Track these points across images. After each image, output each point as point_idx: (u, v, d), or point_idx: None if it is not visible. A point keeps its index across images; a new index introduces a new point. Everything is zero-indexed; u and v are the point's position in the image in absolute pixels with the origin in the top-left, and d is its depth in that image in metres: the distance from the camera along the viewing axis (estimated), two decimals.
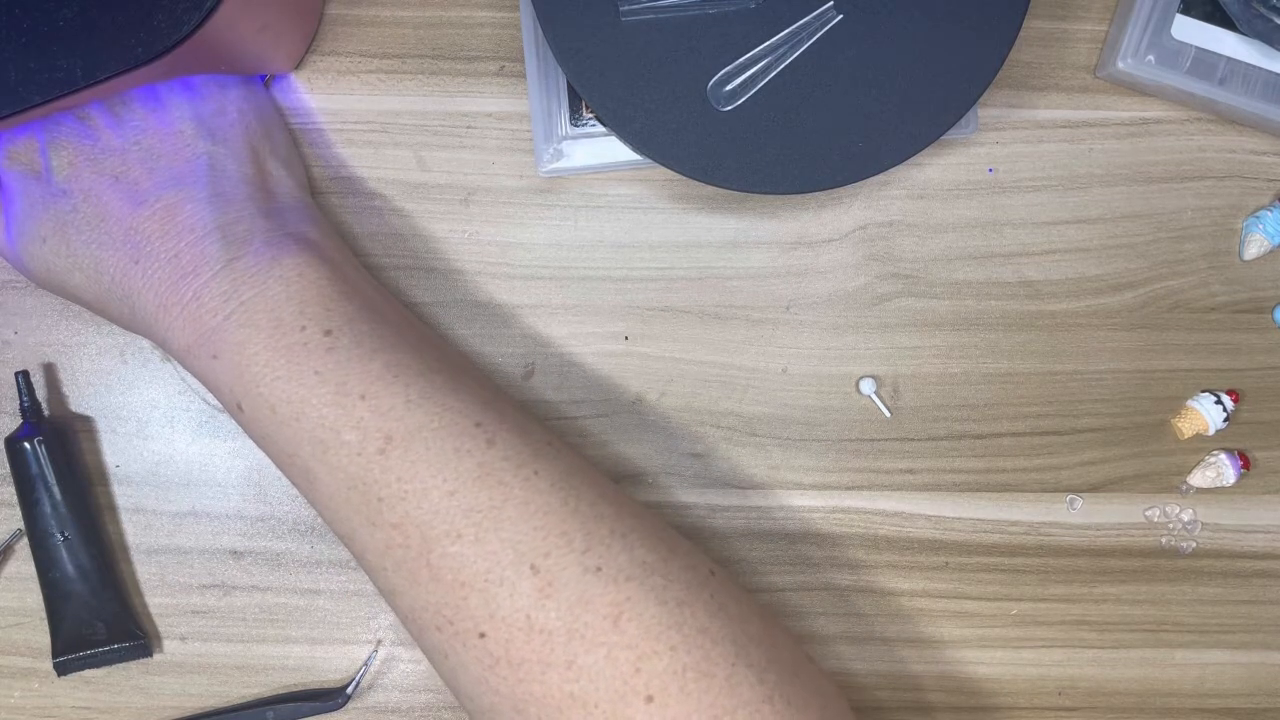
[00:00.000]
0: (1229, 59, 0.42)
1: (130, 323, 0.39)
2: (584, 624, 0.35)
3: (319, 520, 0.45)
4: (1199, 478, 0.45)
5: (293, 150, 0.43)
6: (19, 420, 0.43)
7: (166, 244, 0.37)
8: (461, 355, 0.44)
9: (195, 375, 0.38)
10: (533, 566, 0.35)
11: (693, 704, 0.35)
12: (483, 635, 0.35)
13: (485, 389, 0.39)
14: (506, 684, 0.35)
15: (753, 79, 0.39)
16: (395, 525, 0.36)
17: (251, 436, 0.38)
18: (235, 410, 0.37)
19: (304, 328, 0.36)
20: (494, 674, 0.35)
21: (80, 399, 0.45)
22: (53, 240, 0.38)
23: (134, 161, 0.38)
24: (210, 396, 0.45)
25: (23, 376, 0.43)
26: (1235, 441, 0.46)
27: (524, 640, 0.35)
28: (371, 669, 0.45)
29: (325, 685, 0.45)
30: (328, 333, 0.37)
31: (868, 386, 0.45)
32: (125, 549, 0.45)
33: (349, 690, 0.44)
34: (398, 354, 0.37)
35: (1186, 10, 0.42)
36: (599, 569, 0.35)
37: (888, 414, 0.45)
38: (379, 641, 0.45)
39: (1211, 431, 0.45)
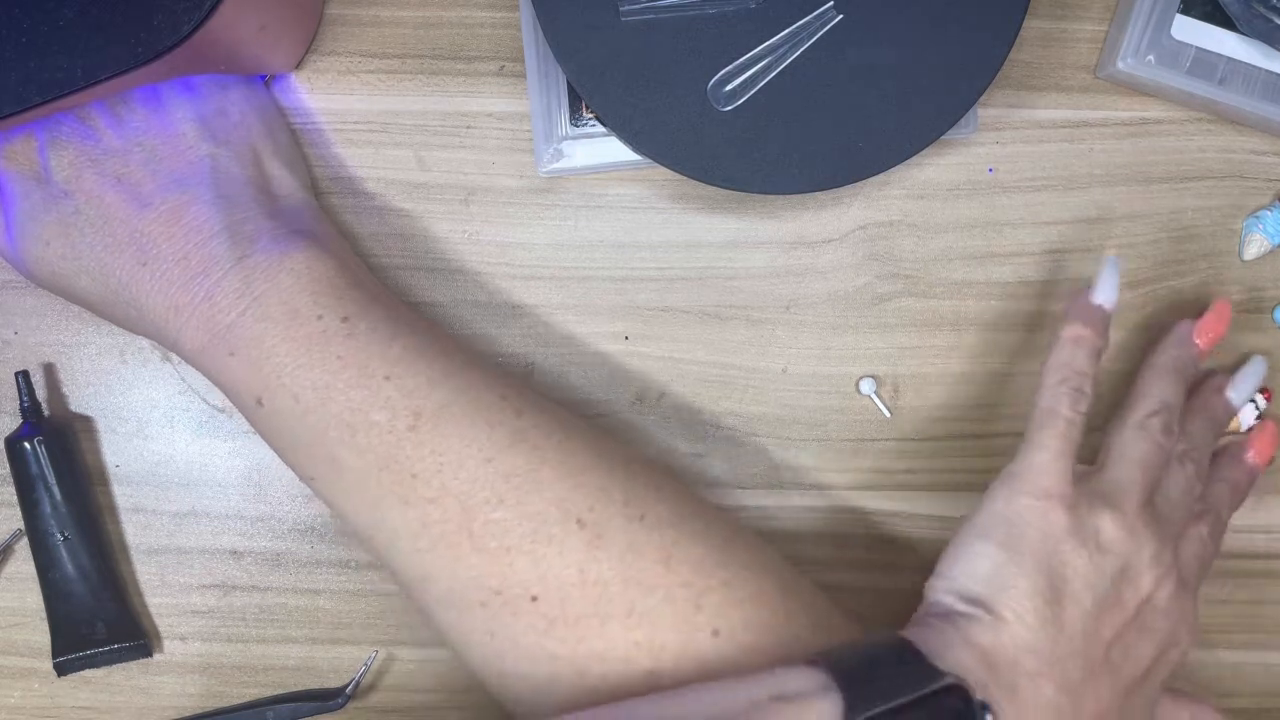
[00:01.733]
0: (1229, 59, 0.42)
1: (137, 325, 0.39)
2: (638, 569, 0.35)
3: (319, 520, 0.45)
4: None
5: (295, 151, 0.43)
6: (19, 420, 0.43)
7: (174, 246, 0.37)
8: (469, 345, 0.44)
9: (208, 375, 0.38)
10: (579, 521, 0.35)
11: (754, 633, 0.35)
12: (535, 598, 0.35)
13: (500, 369, 0.40)
14: (566, 645, 0.35)
15: (753, 79, 0.39)
16: (432, 500, 0.36)
17: (268, 433, 0.38)
18: (253, 407, 0.37)
19: (321, 316, 0.37)
20: (550, 638, 0.35)
21: (80, 399, 0.45)
22: (56, 244, 0.38)
23: (136, 163, 0.38)
24: (211, 396, 0.45)
25: (23, 376, 0.43)
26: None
27: (579, 595, 0.35)
28: (371, 669, 0.45)
29: (325, 686, 0.45)
30: (345, 319, 0.37)
31: (867, 386, 0.45)
32: (125, 549, 0.45)
33: (348, 690, 0.44)
34: (415, 338, 0.38)
35: (1186, 10, 0.42)
36: (642, 517, 0.36)
37: (887, 414, 0.45)
38: (379, 641, 0.45)
39: (1243, 428, 0.45)
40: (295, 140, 0.43)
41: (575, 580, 0.35)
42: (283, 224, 0.38)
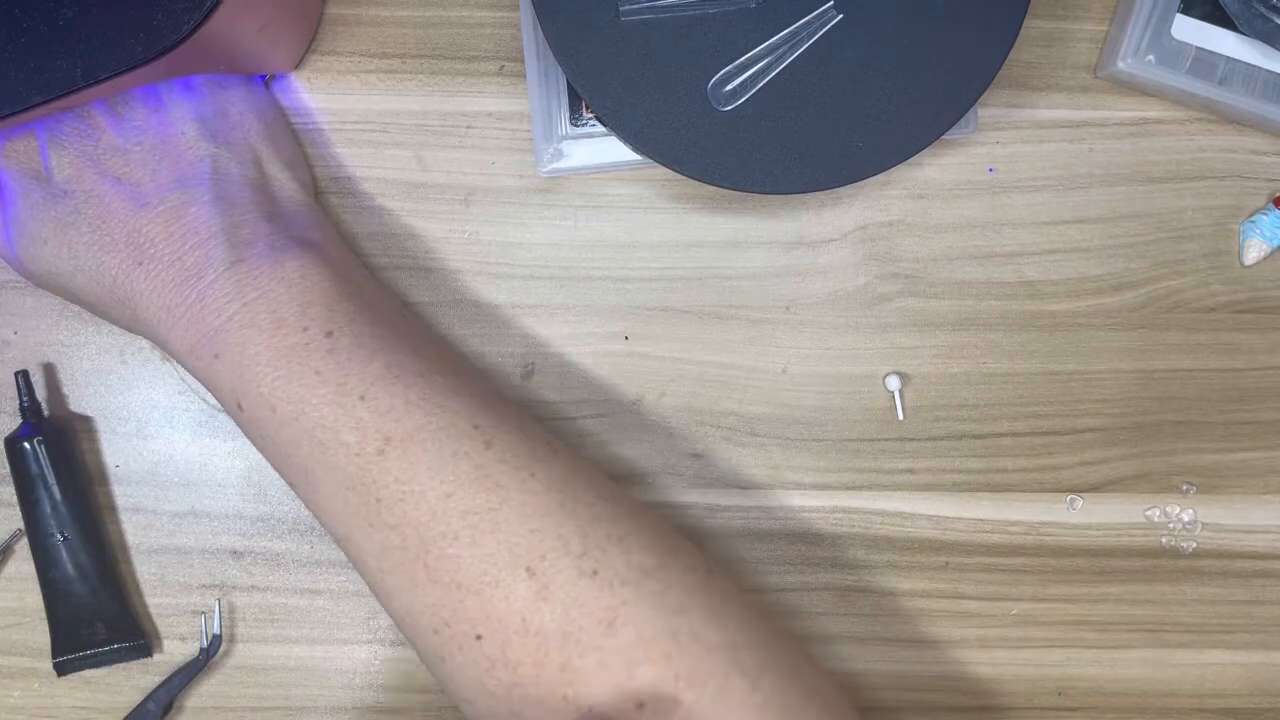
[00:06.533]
0: (1229, 59, 0.42)
1: (131, 324, 0.39)
2: (579, 628, 0.35)
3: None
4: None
5: (297, 152, 0.43)
6: (19, 420, 0.43)
7: (171, 246, 0.37)
8: (462, 356, 0.44)
9: (196, 376, 0.38)
10: (529, 569, 0.35)
11: (683, 711, 0.35)
12: (479, 637, 0.35)
13: (485, 390, 0.39)
14: (502, 686, 0.35)
15: (753, 79, 0.39)
16: (393, 526, 0.36)
17: (250, 437, 0.38)
18: (235, 410, 0.37)
19: (306, 328, 0.37)
20: (490, 677, 0.35)
21: (80, 399, 0.45)
22: (54, 242, 0.38)
23: (136, 162, 0.38)
24: (210, 397, 0.45)
25: (22, 376, 0.43)
26: (1233, 442, 0.46)
27: (519, 642, 0.35)
28: (216, 621, 0.45)
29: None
30: (329, 334, 0.37)
31: (894, 383, 0.45)
32: (125, 549, 0.45)
33: (204, 645, 0.44)
34: (398, 355, 0.37)
35: (1187, 10, 0.42)
36: (595, 573, 0.36)
37: (901, 415, 0.45)
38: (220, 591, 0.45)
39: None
40: (297, 141, 0.43)
41: (517, 627, 0.35)
42: (280, 229, 0.38)
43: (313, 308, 0.37)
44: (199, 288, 0.37)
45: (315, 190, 0.44)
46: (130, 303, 0.37)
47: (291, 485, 0.38)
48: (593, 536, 0.36)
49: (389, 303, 0.41)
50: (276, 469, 0.38)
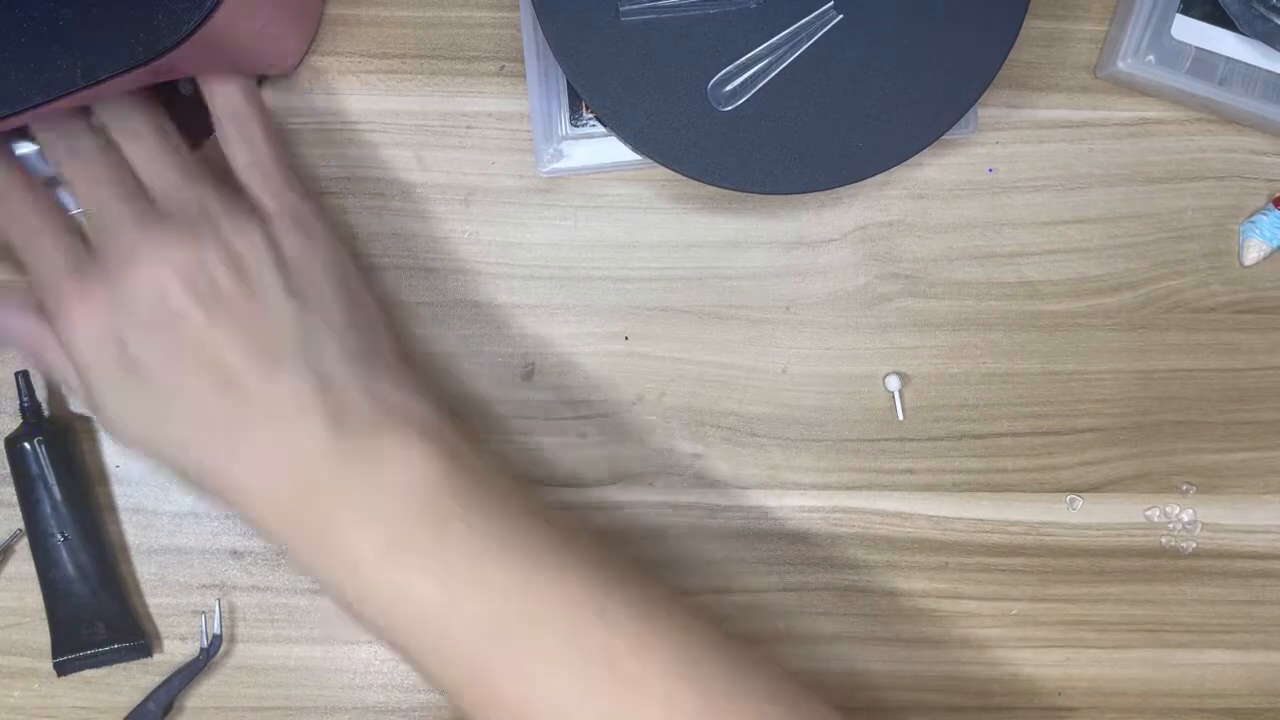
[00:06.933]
0: (1229, 59, 0.42)
1: (224, 507, 0.39)
2: None
3: None
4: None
5: (377, 311, 0.40)
6: (19, 420, 0.43)
7: (266, 430, 0.35)
8: (566, 522, 0.40)
9: (296, 563, 0.37)
10: None
11: None
12: None
13: (597, 550, 0.38)
14: None
15: (753, 79, 0.39)
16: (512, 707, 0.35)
17: (358, 625, 0.37)
18: (344, 603, 0.36)
19: (417, 515, 0.35)
20: None
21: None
22: (137, 422, 0.36)
23: (221, 335, 0.36)
24: None
25: (23, 376, 0.43)
26: (1233, 442, 0.46)
27: None
28: (217, 621, 0.45)
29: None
30: (438, 519, 0.35)
31: (894, 383, 0.45)
32: (125, 549, 0.45)
33: (208, 646, 0.44)
34: (509, 537, 0.36)
35: (1186, 10, 0.42)
36: None
37: (901, 415, 0.45)
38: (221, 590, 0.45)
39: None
40: (376, 301, 0.41)
41: None
42: (376, 398, 0.37)
43: (417, 491, 0.35)
44: (299, 475, 0.35)
45: (314, 190, 0.44)
46: (221, 489, 0.36)
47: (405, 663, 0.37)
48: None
49: (492, 472, 0.38)
50: (389, 649, 0.37)
